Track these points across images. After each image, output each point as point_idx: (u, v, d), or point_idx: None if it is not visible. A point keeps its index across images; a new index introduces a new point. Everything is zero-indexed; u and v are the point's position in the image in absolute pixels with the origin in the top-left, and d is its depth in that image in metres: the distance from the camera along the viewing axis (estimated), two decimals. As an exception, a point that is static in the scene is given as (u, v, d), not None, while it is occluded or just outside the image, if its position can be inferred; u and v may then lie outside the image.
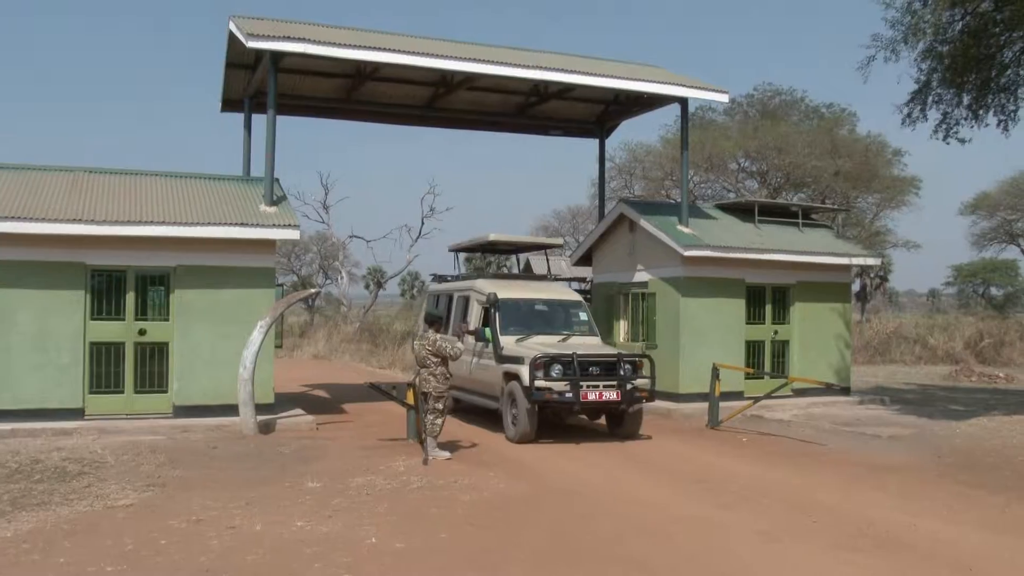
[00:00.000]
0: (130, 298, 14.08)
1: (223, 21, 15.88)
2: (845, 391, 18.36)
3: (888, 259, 51.56)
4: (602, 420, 14.51)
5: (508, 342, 13.93)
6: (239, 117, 18.99)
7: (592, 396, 12.92)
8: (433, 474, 10.57)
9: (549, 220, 58.91)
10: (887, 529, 8.30)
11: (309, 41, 14.63)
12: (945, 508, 9.17)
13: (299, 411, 15.28)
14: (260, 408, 13.79)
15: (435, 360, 11.82)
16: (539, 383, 12.74)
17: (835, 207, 32.90)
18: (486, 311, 14.53)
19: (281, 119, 16.01)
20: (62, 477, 10.04)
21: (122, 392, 14.03)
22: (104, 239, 13.70)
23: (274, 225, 14.40)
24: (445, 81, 18.23)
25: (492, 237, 16.87)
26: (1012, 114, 17.06)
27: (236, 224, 14.20)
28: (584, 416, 14.41)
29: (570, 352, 13.12)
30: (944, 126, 17.46)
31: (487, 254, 19.81)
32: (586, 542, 7.78)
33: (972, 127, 17.38)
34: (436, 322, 12.31)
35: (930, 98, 17.38)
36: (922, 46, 16.70)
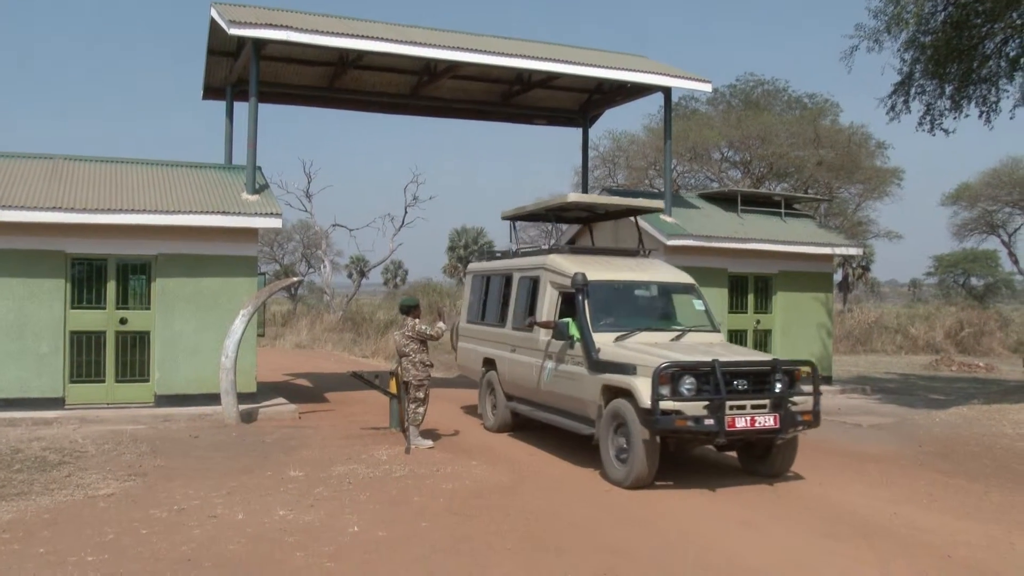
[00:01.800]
0: (111, 287, 13.99)
1: (205, 7, 15.74)
2: (827, 380, 18.45)
3: (870, 249, 51.79)
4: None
5: (604, 342, 10.31)
6: (221, 105, 18.87)
7: (742, 423, 9.20)
8: (415, 463, 10.57)
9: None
10: (867, 517, 8.36)
11: (292, 28, 14.55)
12: (925, 496, 9.25)
13: (281, 400, 15.24)
14: (242, 397, 13.75)
15: (415, 348, 11.80)
16: (666, 404, 9.08)
17: (818, 197, 33.02)
18: (567, 298, 11.37)
19: (264, 107, 15.92)
20: (42, 467, 9.98)
21: (103, 381, 13.96)
22: (84, 227, 13.60)
23: (256, 213, 14.32)
24: (429, 69, 18.16)
25: (572, 198, 12.86)
26: (994, 105, 17.17)
27: (218, 212, 14.12)
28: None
29: (708, 359, 9.44)
30: (928, 117, 17.56)
31: (555, 223, 14.93)
32: (567, 530, 7.80)
33: (955, 118, 17.49)
34: (413, 309, 12.09)
35: (913, 89, 17.47)
36: (905, 36, 16.79)
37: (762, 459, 10.15)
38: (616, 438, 9.74)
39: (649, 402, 9.08)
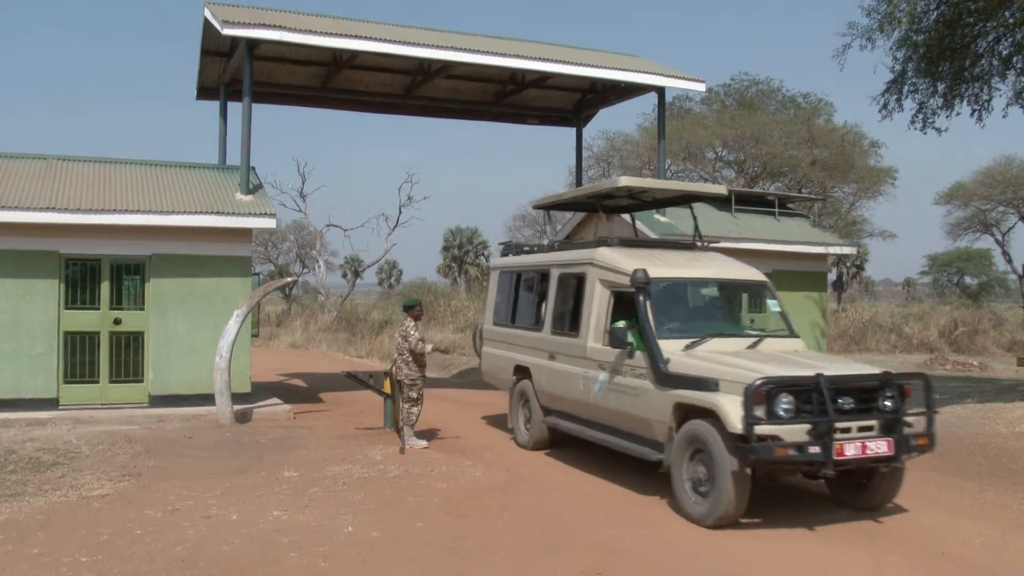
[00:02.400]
0: (105, 287, 13.97)
1: (199, 7, 15.72)
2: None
3: (864, 248, 51.99)
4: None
5: (671, 350, 8.84)
6: (215, 105, 18.85)
7: (852, 451, 7.76)
8: (410, 463, 10.57)
9: (527, 209, 58.87)
10: (861, 515, 8.38)
11: (285, 29, 14.54)
12: (919, 494, 9.26)
13: (276, 400, 15.22)
14: (237, 397, 13.73)
15: (407, 347, 11.78)
16: (762, 428, 7.65)
17: (812, 196, 33.07)
18: (620, 298, 9.87)
19: (257, 107, 15.90)
20: (36, 468, 9.96)
21: (97, 382, 13.93)
22: (78, 228, 13.57)
23: (250, 214, 14.31)
24: (423, 69, 18.15)
25: (624, 181, 10.99)
26: (986, 104, 17.20)
27: (212, 213, 14.10)
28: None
29: (807, 372, 8.04)
30: (921, 116, 17.58)
31: (599, 212, 13.39)
32: (561, 530, 7.81)
33: (947, 117, 17.52)
34: (411, 309, 11.92)
35: (906, 88, 17.50)
36: (897, 35, 16.81)
37: (862, 487, 8.57)
38: (693, 466, 8.24)
39: (741, 426, 7.64)
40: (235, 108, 17.24)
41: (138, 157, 16.05)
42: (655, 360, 8.78)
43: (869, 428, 7.97)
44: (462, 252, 62.39)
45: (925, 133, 17.66)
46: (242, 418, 13.61)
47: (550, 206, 13.50)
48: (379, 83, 19.28)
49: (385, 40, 15.23)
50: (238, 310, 13.63)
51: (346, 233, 60.75)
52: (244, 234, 14.59)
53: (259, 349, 25.82)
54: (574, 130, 21.72)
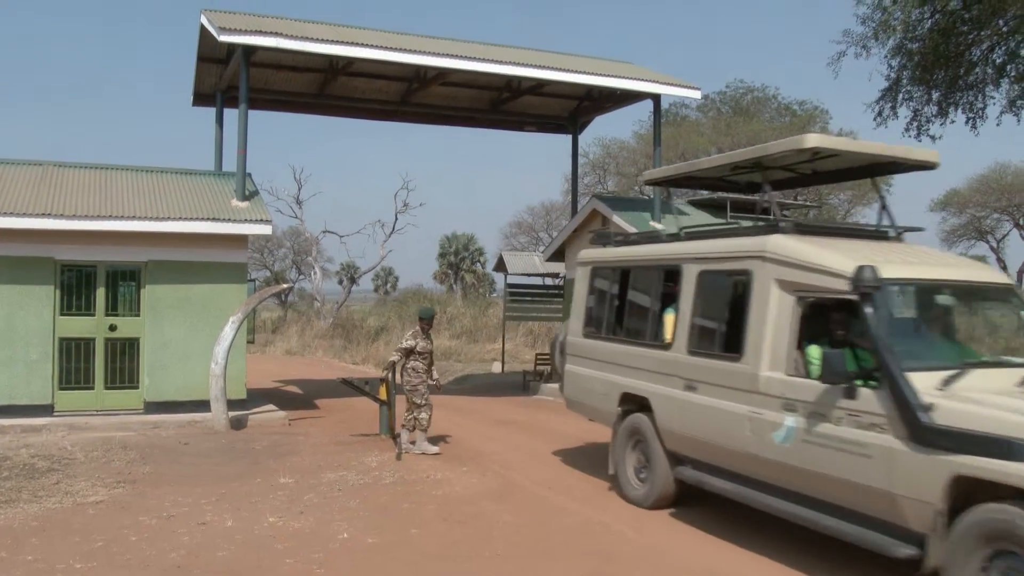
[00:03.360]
0: (100, 293, 13.96)
1: (196, 14, 15.75)
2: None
3: (859, 255, 51.96)
4: None
5: (926, 387, 6.07)
6: (211, 111, 18.87)
7: None
8: (405, 470, 10.57)
9: (523, 216, 58.88)
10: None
11: (281, 36, 14.58)
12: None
13: (271, 407, 15.21)
14: (232, 404, 13.72)
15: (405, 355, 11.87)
16: None
17: (807, 204, 33.13)
18: (814, 309, 7.29)
19: (254, 113, 15.94)
20: (31, 474, 9.95)
21: (92, 388, 13.91)
22: (74, 234, 13.56)
23: (246, 220, 14.32)
24: (419, 76, 18.19)
25: (812, 141, 7.80)
26: (980, 111, 17.29)
27: (207, 219, 14.10)
28: None
29: None
30: (915, 124, 17.68)
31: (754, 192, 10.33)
32: (557, 536, 7.81)
33: (941, 124, 17.62)
34: (420, 320, 11.92)
35: (900, 95, 17.61)
36: (892, 43, 16.93)
37: None
38: None
39: None
40: (231, 115, 17.30)
41: (134, 163, 16.03)
42: (905, 404, 5.99)
43: None
44: (458, 259, 62.25)
45: (920, 140, 17.76)
46: (237, 424, 13.60)
47: (667, 180, 10.61)
48: (375, 90, 19.33)
49: (381, 47, 15.28)
50: (234, 316, 13.63)
51: (342, 239, 60.67)
52: (240, 240, 14.60)
53: (255, 355, 25.79)
54: (570, 137, 21.78)
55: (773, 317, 7.32)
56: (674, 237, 9.30)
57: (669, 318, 8.74)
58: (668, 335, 8.68)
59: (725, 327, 7.99)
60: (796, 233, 7.69)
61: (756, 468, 7.43)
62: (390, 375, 12.03)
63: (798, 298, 7.21)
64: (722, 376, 7.80)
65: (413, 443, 11.79)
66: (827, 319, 7.16)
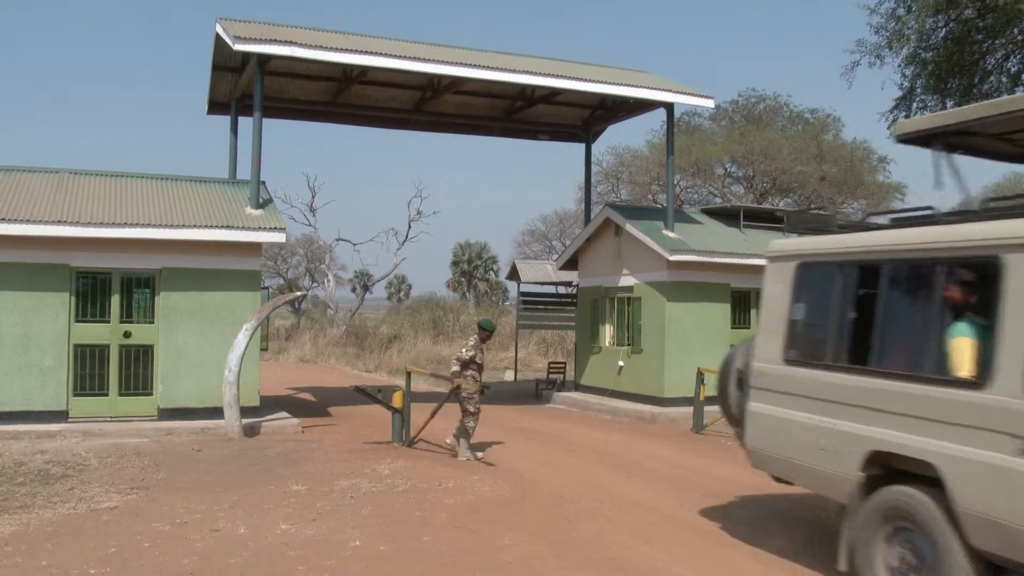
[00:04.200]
0: (115, 300, 14.04)
1: (212, 22, 15.85)
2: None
3: (873, 264, 51.75)
4: None
5: None
6: (226, 119, 18.96)
7: None
8: (417, 477, 10.57)
9: (536, 224, 58.95)
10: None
11: (296, 44, 14.65)
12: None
13: (284, 414, 15.24)
14: (245, 411, 13.76)
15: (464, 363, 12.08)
16: None
17: (822, 212, 33.04)
18: None
19: (268, 121, 16.01)
20: (45, 480, 10.00)
21: (106, 394, 13.98)
22: (89, 241, 13.66)
23: (260, 228, 14.38)
24: (432, 85, 18.24)
25: None
26: (995, 120, 17.21)
27: (222, 227, 14.18)
28: None
29: None
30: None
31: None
32: (570, 545, 7.80)
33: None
34: (482, 329, 12.31)
35: (915, 104, 17.56)
36: (906, 52, 16.89)
37: None
38: None
39: None
40: (246, 123, 17.36)
41: (149, 171, 16.13)
42: None
43: None
44: (471, 267, 62.32)
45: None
46: (250, 432, 13.63)
47: (928, 133, 7.13)
48: (389, 98, 19.39)
49: (395, 56, 15.34)
50: (247, 324, 13.68)
51: (355, 247, 61.12)
52: (254, 248, 14.66)
53: (268, 363, 25.87)
54: (583, 145, 21.79)
55: None
56: (966, 216, 6.07)
57: (964, 341, 5.81)
58: (966, 366, 5.72)
59: None
60: None
61: None
62: (461, 383, 11.94)
63: None
64: None
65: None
66: None
